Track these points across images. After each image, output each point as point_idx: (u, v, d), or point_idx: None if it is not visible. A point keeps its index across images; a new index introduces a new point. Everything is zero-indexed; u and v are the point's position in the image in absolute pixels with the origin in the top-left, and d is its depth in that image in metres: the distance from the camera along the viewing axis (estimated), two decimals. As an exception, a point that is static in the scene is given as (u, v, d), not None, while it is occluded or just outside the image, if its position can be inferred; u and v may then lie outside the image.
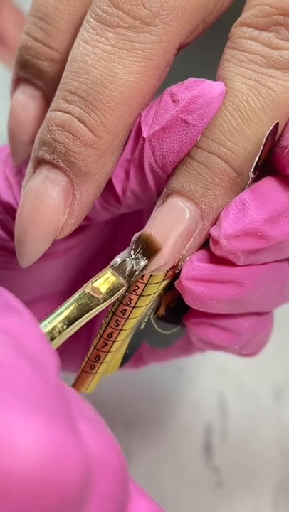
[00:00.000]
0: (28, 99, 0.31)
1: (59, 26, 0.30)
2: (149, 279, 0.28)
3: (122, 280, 0.27)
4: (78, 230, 0.32)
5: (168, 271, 0.29)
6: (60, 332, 0.26)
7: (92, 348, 0.30)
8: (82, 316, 0.27)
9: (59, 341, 0.27)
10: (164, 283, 0.29)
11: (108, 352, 0.30)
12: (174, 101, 0.28)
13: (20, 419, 0.19)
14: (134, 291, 0.29)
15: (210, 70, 0.29)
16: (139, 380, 0.40)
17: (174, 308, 0.31)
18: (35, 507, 0.18)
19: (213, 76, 0.29)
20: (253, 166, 0.27)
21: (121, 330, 0.30)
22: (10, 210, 0.31)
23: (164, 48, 0.28)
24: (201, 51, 0.33)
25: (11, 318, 0.22)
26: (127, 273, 0.27)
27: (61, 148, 0.28)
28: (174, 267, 0.29)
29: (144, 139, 0.28)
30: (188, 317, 0.31)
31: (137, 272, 0.28)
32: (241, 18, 0.28)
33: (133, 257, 0.28)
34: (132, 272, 0.27)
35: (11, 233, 0.31)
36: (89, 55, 0.28)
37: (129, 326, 0.30)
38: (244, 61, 0.27)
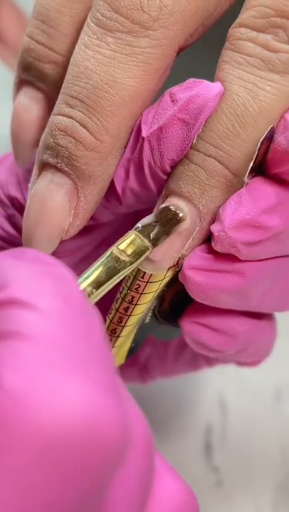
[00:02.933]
0: (30, 102, 0.31)
1: (61, 29, 0.30)
2: (150, 277, 0.29)
3: (147, 243, 0.28)
4: (84, 232, 0.32)
5: (168, 269, 0.29)
6: (88, 296, 0.27)
7: None
8: (110, 279, 0.27)
9: None
10: (165, 281, 0.30)
11: (113, 347, 0.31)
12: (172, 101, 0.28)
13: (67, 381, 0.20)
14: (135, 289, 0.29)
15: (209, 70, 0.29)
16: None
17: (178, 302, 0.32)
18: (75, 463, 0.20)
19: (212, 75, 0.29)
20: (248, 170, 0.28)
21: (124, 326, 0.31)
22: (17, 205, 0.32)
23: (163, 51, 0.28)
24: (201, 51, 0.33)
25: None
26: (152, 237, 0.28)
27: (64, 153, 0.28)
28: (175, 265, 0.29)
29: (143, 138, 0.28)
30: (182, 317, 0.31)
31: (161, 239, 0.28)
32: (239, 18, 0.28)
33: (157, 224, 0.28)
34: (158, 236, 0.28)
35: (18, 229, 0.32)
36: (89, 60, 0.28)
37: (132, 323, 0.31)
38: (242, 63, 0.28)
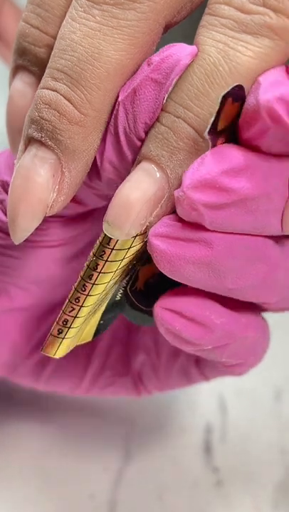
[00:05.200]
0: (25, 87, 0.31)
1: (56, 12, 0.30)
2: (115, 244, 0.29)
3: None
4: (78, 220, 0.32)
5: (135, 237, 0.29)
6: None
7: (61, 312, 0.31)
8: None
9: None
10: (133, 250, 0.29)
11: (76, 317, 0.30)
12: (148, 65, 0.28)
13: None
14: (100, 256, 0.29)
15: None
16: (139, 379, 0.40)
17: (154, 284, 0.31)
18: None
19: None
20: (209, 126, 0.27)
21: (88, 295, 0.30)
22: (8, 190, 0.31)
23: (149, 25, 0.28)
24: (189, 29, 0.33)
25: None
26: None
27: (48, 126, 0.28)
28: (143, 233, 0.29)
29: (118, 103, 0.28)
30: (156, 304, 0.30)
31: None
32: None
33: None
34: None
35: None
36: (76, 33, 0.28)
37: (97, 292, 0.30)
38: (216, 25, 0.27)
